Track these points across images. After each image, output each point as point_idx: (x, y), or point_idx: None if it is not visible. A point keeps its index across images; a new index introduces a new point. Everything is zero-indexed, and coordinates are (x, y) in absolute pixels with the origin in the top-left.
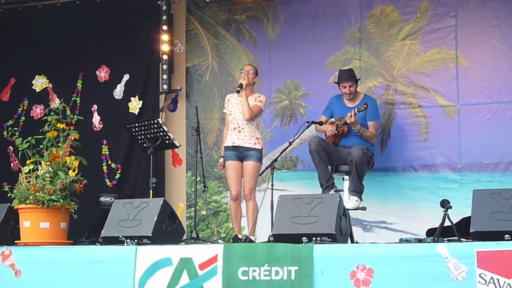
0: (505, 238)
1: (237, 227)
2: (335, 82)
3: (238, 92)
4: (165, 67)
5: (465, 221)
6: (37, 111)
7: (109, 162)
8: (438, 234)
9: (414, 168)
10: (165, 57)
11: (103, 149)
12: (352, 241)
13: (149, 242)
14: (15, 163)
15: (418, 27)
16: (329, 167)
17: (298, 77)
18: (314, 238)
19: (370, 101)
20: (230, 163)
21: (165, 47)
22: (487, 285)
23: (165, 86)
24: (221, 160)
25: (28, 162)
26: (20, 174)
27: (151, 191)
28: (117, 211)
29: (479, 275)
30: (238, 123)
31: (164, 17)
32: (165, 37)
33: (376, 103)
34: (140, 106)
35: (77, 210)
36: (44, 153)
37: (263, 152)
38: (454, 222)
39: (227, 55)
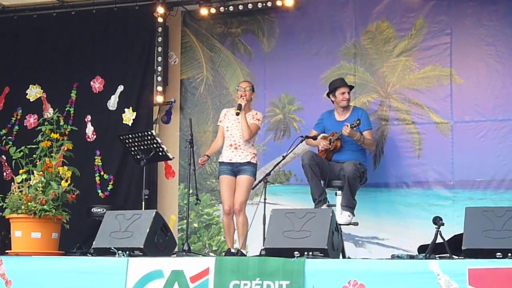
0: (497, 256)
1: (230, 241)
2: (330, 91)
3: (237, 114)
4: (159, 79)
5: (457, 238)
6: (31, 120)
7: (102, 173)
8: (430, 250)
9: (406, 184)
10: (159, 69)
11: (96, 160)
12: (344, 257)
13: (141, 254)
14: (7, 172)
15: (413, 43)
16: (322, 182)
17: (292, 91)
18: (306, 253)
19: (359, 112)
20: (224, 178)
21: (160, 59)
22: None
23: (159, 98)
24: (205, 157)
25: (21, 171)
26: (12, 183)
27: (143, 202)
28: (109, 222)
29: None
30: (235, 140)
31: (160, 29)
32: (160, 49)
33: (366, 112)
34: (134, 117)
35: (69, 220)
36: (37, 163)
37: (257, 166)
38: (446, 239)
39: (222, 68)
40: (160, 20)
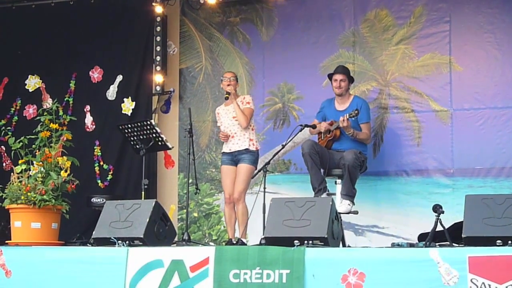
0: (497, 244)
1: (231, 231)
2: (328, 75)
3: (226, 99)
4: (158, 68)
5: (457, 226)
6: (30, 111)
7: (101, 163)
8: (430, 239)
9: (406, 172)
10: (158, 58)
11: (96, 150)
12: (344, 245)
13: (141, 243)
14: (7, 162)
15: (412, 31)
16: (322, 171)
17: (291, 80)
18: (306, 242)
19: (359, 103)
20: (224, 168)
21: (158, 49)
22: None
23: (158, 88)
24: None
25: (20, 162)
26: (12, 174)
27: (143, 192)
28: (109, 212)
29: (471, 280)
30: (230, 129)
31: (158, 19)
32: (158, 38)
33: (367, 103)
34: (133, 107)
35: (68, 210)
36: (36, 153)
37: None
38: (446, 227)
39: (221, 57)
40: (159, 9)
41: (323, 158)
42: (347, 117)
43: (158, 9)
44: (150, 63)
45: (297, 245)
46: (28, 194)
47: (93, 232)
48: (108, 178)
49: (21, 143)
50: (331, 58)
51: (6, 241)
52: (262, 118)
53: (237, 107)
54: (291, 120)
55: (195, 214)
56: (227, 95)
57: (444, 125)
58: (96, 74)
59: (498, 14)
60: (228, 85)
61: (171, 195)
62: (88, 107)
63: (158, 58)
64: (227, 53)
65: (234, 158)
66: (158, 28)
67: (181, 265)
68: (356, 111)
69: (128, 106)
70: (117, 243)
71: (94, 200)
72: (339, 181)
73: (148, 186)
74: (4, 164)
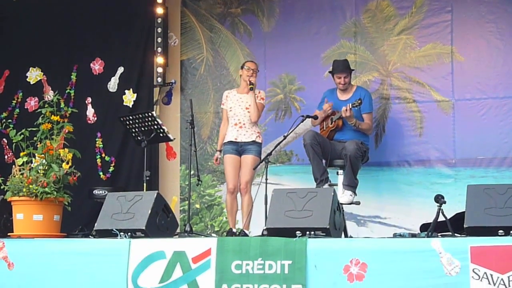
0: (499, 234)
1: (232, 221)
2: (329, 72)
3: (251, 89)
4: (159, 60)
5: (459, 216)
6: (31, 103)
7: (103, 155)
8: (432, 229)
9: (408, 163)
10: (159, 50)
11: (97, 142)
12: (346, 236)
13: (143, 235)
14: (9, 155)
15: (413, 21)
16: (324, 161)
17: (293, 71)
18: (308, 232)
19: (363, 93)
20: (228, 157)
21: (159, 40)
22: (481, 281)
23: (159, 79)
24: (217, 154)
25: (22, 154)
26: (13, 166)
27: (145, 184)
28: (111, 204)
29: (473, 270)
30: (239, 119)
31: (159, 10)
32: (159, 30)
33: (370, 94)
34: (134, 99)
35: (70, 202)
36: (38, 146)
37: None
38: (448, 217)
39: (222, 49)
40: (160, 1)
41: (324, 149)
42: (350, 107)
43: (159, 0)
44: (151, 55)
45: (299, 236)
46: (30, 186)
47: (95, 224)
48: (110, 170)
49: (22, 136)
50: (332, 49)
51: (8, 234)
52: (264, 109)
53: (254, 101)
54: (293, 111)
55: (197, 206)
56: (251, 86)
57: (446, 115)
58: (97, 66)
59: (499, 4)
60: (251, 76)
61: (173, 187)
62: (89, 99)
63: (160, 49)
64: (228, 44)
65: (239, 149)
66: (159, 20)
67: (183, 257)
68: (359, 101)
69: (129, 98)
70: (119, 235)
71: (96, 192)
72: (341, 171)
73: (150, 177)
74: (6, 157)
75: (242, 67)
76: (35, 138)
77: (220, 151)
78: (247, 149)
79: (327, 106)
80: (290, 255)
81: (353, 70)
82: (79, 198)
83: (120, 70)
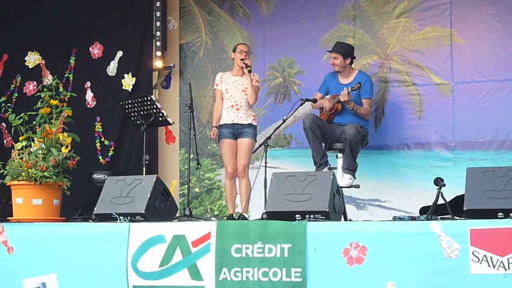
0: (499, 216)
1: (232, 206)
2: (328, 51)
3: (250, 72)
4: (158, 44)
5: (459, 199)
6: (30, 87)
7: (102, 139)
8: (432, 212)
9: (408, 146)
10: (158, 34)
11: (96, 126)
12: (346, 219)
13: (142, 219)
14: (7, 139)
15: (412, 4)
16: (323, 145)
17: (292, 55)
18: (307, 216)
19: (364, 78)
20: (225, 141)
21: (158, 24)
22: (480, 263)
23: (158, 63)
24: (214, 129)
25: (20, 138)
26: (12, 150)
27: (144, 168)
28: (110, 188)
29: (472, 253)
30: (236, 101)
31: None
32: (158, 13)
33: (371, 79)
34: (133, 83)
35: (70, 187)
36: (37, 130)
37: (257, 129)
38: (448, 200)
39: (221, 32)
40: None
41: (324, 132)
42: (349, 91)
43: None
44: (150, 39)
45: (299, 219)
46: (29, 170)
47: (95, 208)
48: (109, 154)
49: (21, 120)
50: (331, 32)
51: (8, 218)
52: (263, 92)
53: (250, 83)
54: (292, 95)
55: (197, 190)
56: (249, 68)
57: (445, 98)
58: (96, 50)
59: None
60: (245, 58)
61: (172, 171)
62: (88, 83)
63: (158, 33)
64: (227, 27)
65: (235, 132)
66: (158, 3)
67: (183, 240)
68: (358, 84)
69: (128, 81)
70: (118, 219)
71: (95, 176)
72: (340, 155)
73: (149, 161)
74: (4, 141)
75: (234, 50)
76: (34, 122)
77: (217, 127)
78: (243, 132)
79: (328, 103)
80: (289, 239)
81: (354, 57)
82: (78, 182)
83: (119, 54)
